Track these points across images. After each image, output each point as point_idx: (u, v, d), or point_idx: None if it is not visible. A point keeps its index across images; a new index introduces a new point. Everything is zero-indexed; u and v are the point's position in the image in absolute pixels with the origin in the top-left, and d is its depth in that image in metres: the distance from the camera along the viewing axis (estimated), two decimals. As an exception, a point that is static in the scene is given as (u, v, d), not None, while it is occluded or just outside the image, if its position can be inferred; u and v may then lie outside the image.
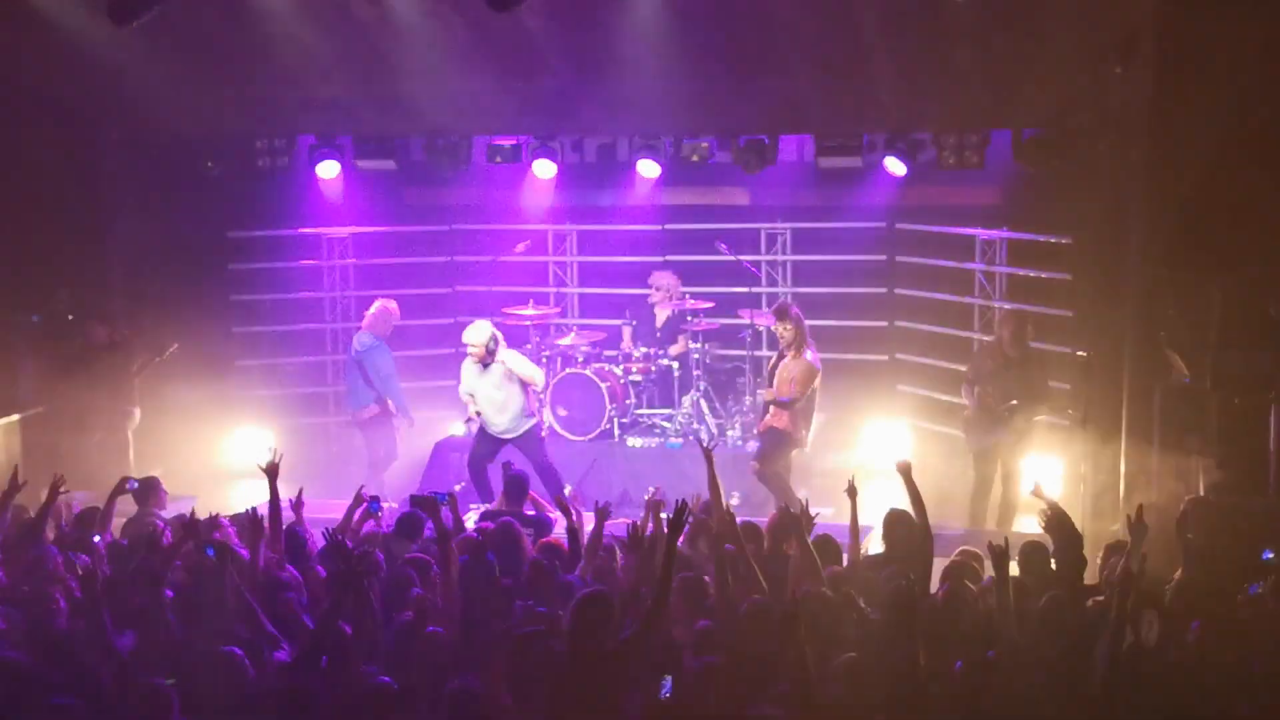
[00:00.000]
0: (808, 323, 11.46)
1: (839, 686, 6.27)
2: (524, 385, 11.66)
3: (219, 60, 11.95)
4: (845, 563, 8.26)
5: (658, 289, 13.12)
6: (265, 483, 8.46)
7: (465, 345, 11.58)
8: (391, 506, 9.79)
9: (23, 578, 7.78)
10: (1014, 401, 10.99)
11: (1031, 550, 7.86)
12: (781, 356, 11.49)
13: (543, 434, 12.04)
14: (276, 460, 8.54)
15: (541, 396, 12.73)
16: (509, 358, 11.57)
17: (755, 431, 11.28)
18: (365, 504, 8.71)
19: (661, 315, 13.13)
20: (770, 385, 11.63)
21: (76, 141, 12.57)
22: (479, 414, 11.73)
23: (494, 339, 11.51)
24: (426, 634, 6.69)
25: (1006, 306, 12.69)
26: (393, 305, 12.66)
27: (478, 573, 7.42)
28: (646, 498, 8.50)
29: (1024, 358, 11.10)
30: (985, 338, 12.38)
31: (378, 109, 12.31)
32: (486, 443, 11.77)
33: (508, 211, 14.14)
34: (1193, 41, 10.41)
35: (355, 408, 12.64)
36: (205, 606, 7.00)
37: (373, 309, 12.61)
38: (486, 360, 11.50)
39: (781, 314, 11.37)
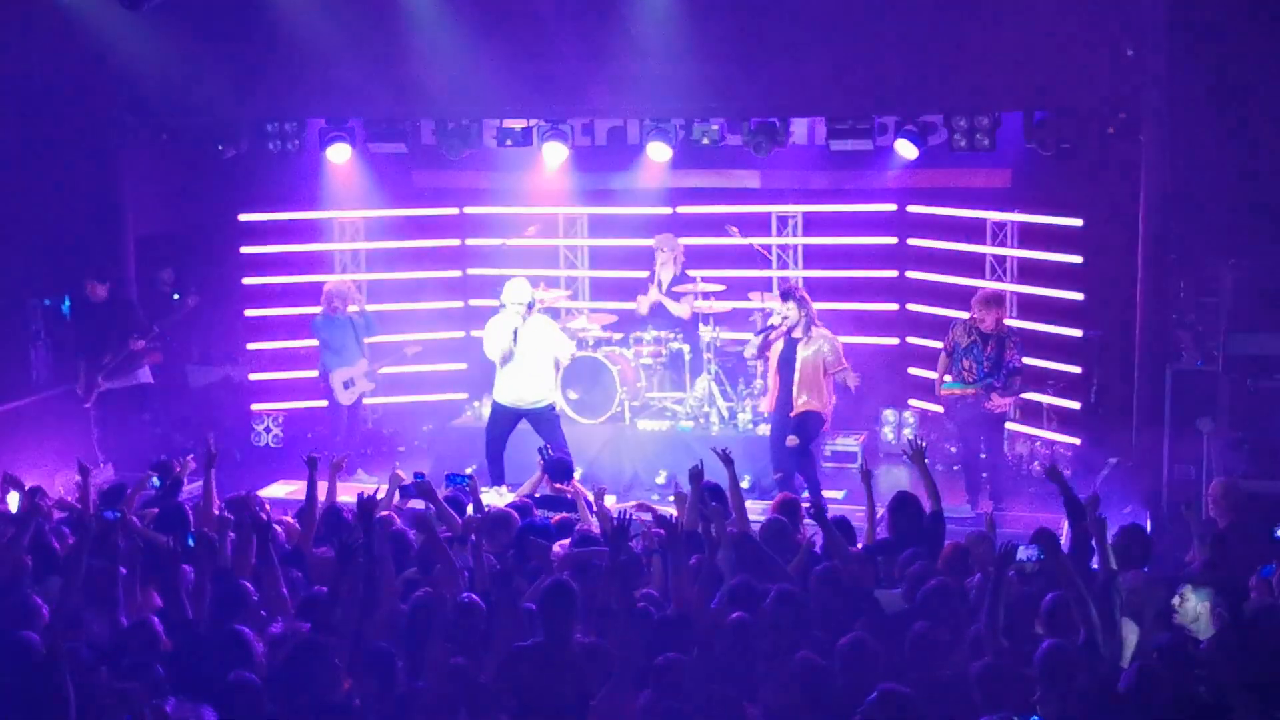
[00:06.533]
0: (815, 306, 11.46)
1: None
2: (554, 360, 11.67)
3: (230, 43, 11.98)
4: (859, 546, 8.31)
5: (663, 249, 13.03)
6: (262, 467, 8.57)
7: (506, 302, 11.26)
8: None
9: None
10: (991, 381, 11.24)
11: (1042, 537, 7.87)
12: (769, 337, 11.47)
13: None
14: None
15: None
16: (547, 322, 11.55)
17: (789, 415, 11.28)
18: (411, 482, 8.62)
19: (666, 277, 13.04)
20: (760, 357, 11.72)
21: (89, 125, 12.59)
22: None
23: (532, 295, 11.41)
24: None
25: (1007, 286, 12.71)
26: (338, 285, 12.85)
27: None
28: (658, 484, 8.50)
29: (998, 336, 11.27)
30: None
31: (388, 92, 12.32)
32: (502, 421, 11.56)
33: (518, 194, 14.13)
34: (1204, 23, 10.42)
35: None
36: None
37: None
38: (524, 316, 11.27)
39: (786, 295, 11.35)
